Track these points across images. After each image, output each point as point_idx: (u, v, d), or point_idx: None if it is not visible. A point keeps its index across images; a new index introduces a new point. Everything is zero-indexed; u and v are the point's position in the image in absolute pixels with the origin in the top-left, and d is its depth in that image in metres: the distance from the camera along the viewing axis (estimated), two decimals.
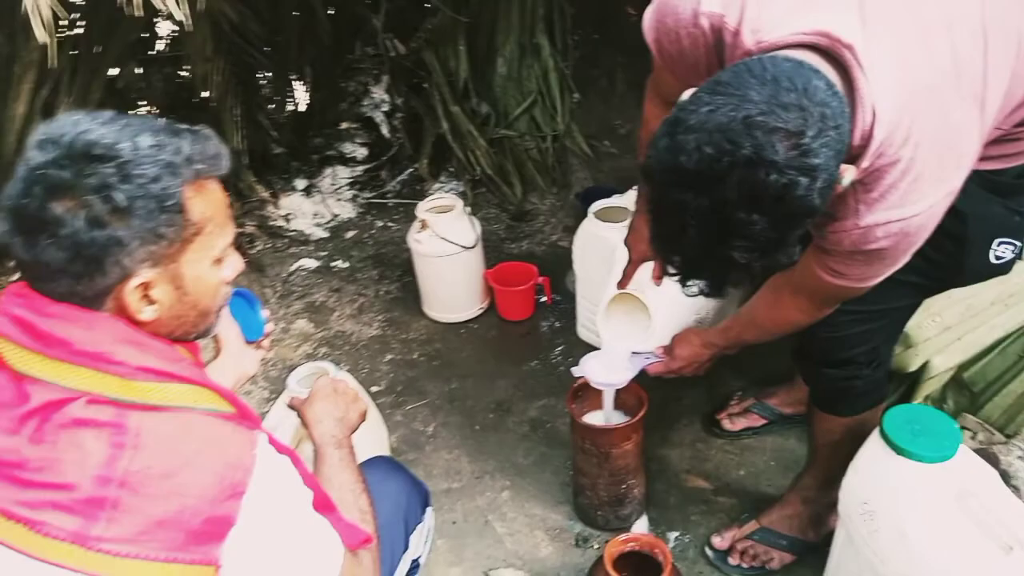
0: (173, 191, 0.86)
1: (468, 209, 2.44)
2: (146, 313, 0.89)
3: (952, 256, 1.29)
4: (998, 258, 1.32)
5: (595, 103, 3.36)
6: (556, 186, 3.10)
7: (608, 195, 2.23)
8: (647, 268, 1.61)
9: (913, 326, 1.70)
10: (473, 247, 2.37)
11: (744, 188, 0.91)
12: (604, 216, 2.13)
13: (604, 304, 1.71)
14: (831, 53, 1.00)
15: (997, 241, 1.31)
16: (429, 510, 1.37)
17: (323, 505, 0.98)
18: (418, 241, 2.37)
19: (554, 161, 3.16)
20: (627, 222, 1.69)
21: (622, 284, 1.66)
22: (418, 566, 1.33)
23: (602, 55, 3.37)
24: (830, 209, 1.08)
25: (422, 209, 2.37)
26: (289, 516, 0.92)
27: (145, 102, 2.98)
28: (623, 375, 1.63)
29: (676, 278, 1.06)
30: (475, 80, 3.11)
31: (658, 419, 1.95)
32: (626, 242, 1.65)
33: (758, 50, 1.02)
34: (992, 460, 1.53)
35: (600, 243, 2.06)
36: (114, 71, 2.73)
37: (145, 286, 0.88)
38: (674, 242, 1.02)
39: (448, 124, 3.06)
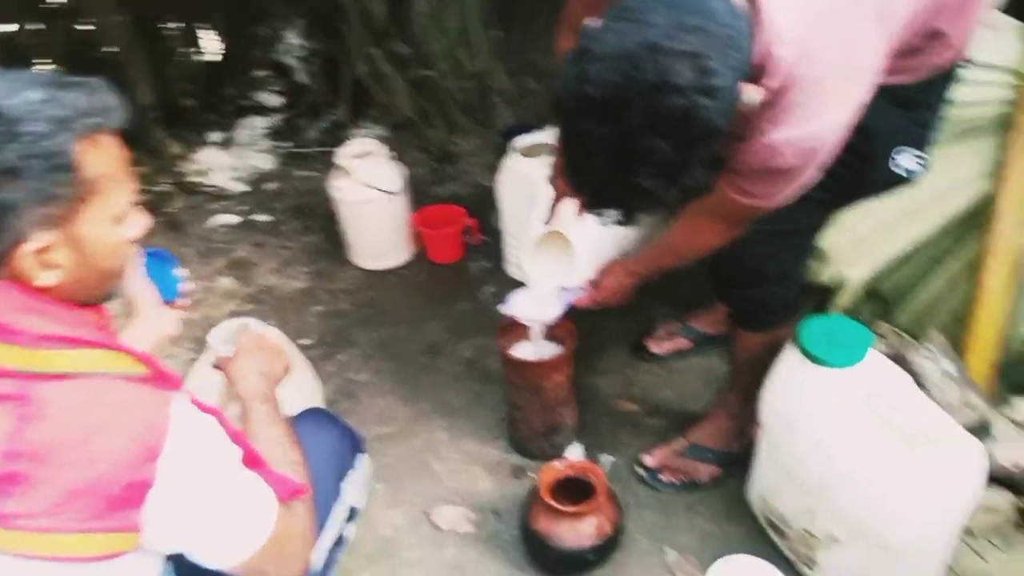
0: (64, 148, 0.83)
1: (391, 153, 2.40)
2: (45, 278, 0.87)
3: (857, 170, 1.33)
4: (904, 169, 1.37)
5: (517, 39, 3.31)
6: (480, 126, 3.07)
7: (530, 131, 2.23)
8: (571, 204, 1.62)
9: (826, 240, 1.76)
10: (398, 192, 2.35)
11: (648, 114, 0.92)
12: (527, 153, 2.13)
13: (531, 241, 1.72)
14: None
15: (901, 151, 1.36)
16: (362, 456, 1.38)
17: (253, 461, 0.98)
18: (340, 189, 2.34)
19: (477, 100, 3.12)
20: (549, 158, 1.69)
21: (547, 221, 1.67)
22: (356, 513, 1.35)
23: None
24: (738, 129, 1.10)
25: (343, 156, 2.33)
26: (215, 474, 0.91)
27: (45, 59, 2.83)
28: (552, 310, 1.65)
29: (589, 208, 1.08)
30: (393, 20, 3.03)
31: (586, 348, 1.99)
32: (550, 180, 1.66)
33: None
34: (903, 363, 1.60)
35: (523, 180, 2.06)
36: (11, 27, 2.58)
37: (42, 250, 0.85)
38: (583, 172, 1.03)
39: (367, 67, 2.98)
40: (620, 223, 1.08)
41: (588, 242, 1.64)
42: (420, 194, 2.63)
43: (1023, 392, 1.65)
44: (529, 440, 1.83)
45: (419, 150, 2.99)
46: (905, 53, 1.23)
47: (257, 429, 1.12)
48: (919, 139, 1.37)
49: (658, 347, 2.05)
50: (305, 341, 2.20)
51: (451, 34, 3.06)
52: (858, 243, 1.76)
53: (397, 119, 3.03)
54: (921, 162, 1.37)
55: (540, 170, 1.95)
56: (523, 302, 1.68)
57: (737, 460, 1.73)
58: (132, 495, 0.83)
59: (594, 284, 1.62)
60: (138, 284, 1.22)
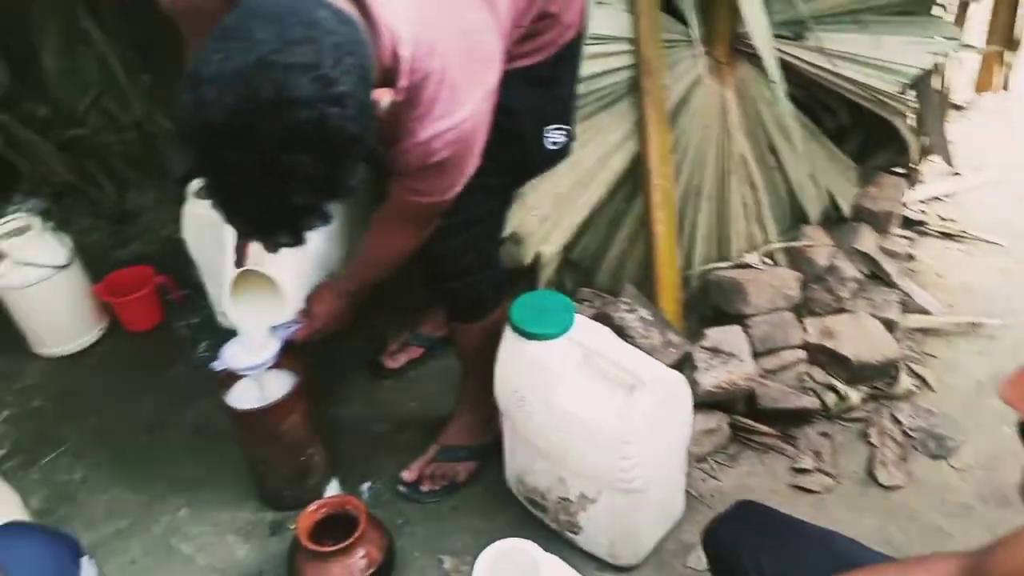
0: None
1: (52, 224, 2.15)
2: None
3: (515, 152, 1.42)
4: (554, 144, 1.48)
5: (170, 80, 3.11)
6: (153, 175, 2.85)
7: None
8: None
9: (517, 224, 1.86)
10: (68, 265, 2.11)
11: (278, 131, 0.91)
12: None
13: (227, 287, 1.62)
14: None
15: (549, 129, 1.47)
16: (85, 560, 1.23)
17: None
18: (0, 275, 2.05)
19: (143, 150, 2.89)
20: None
21: (239, 262, 1.59)
22: None
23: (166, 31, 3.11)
24: (388, 133, 1.13)
25: None
26: None
27: None
28: (267, 353, 1.57)
29: (251, 238, 1.04)
30: (21, 82, 2.70)
31: (323, 380, 1.93)
32: None
33: None
34: (607, 320, 1.74)
35: (207, 222, 1.93)
36: None
37: None
38: (232, 203, 0.99)
39: None
40: (291, 246, 1.06)
41: (289, 272, 1.58)
42: (101, 262, 2.38)
43: (709, 322, 1.87)
44: (281, 491, 1.74)
45: (91, 216, 2.71)
46: (526, 37, 1.33)
47: None
48: (562, 113, 1.49)
49: (394, 362, 2.05)
50: None
51: (93, 86, 2.80)
52: (544, 221, 1.88)
53: (56, 187, 2.71)
54: (568, 134, 1.50)
55: None
56: (236, 352, 1.59)
57: (491, 450, 1.77)
58: None
59: (306, 314, 1.57)
60: None
